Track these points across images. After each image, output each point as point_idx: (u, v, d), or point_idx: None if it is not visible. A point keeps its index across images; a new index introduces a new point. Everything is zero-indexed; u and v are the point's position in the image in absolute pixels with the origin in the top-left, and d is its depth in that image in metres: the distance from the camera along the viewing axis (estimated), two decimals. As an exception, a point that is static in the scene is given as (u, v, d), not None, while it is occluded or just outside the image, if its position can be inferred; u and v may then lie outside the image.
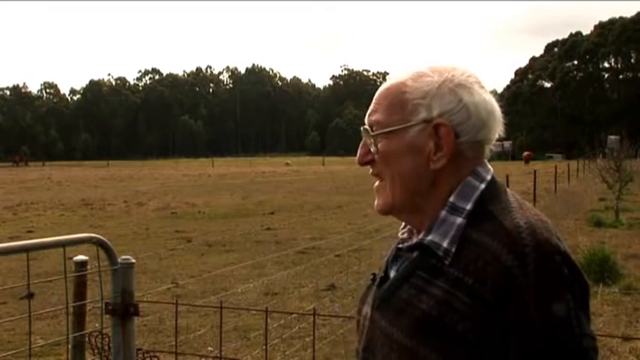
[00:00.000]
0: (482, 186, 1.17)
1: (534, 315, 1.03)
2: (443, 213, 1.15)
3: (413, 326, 1.10)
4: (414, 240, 1.19)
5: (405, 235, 1.26)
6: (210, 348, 5.52)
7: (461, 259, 1.10)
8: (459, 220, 1.13)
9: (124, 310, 2.21)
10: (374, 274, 1.28)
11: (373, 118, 1.20)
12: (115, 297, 2.22)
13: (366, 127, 1.20)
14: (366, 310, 1.25)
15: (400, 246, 1.23)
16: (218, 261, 10.05)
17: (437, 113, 1.15)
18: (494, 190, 1.17)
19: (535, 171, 18.17)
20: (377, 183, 1.23)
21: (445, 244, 1.12)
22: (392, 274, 1.22)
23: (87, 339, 3.05)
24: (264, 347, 4.45)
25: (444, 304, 1.07)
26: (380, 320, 1.18)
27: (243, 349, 5.52)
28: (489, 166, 1.22)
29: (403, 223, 1.29)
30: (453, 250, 1.11)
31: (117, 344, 2.24)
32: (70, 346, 2.77)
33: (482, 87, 1.19)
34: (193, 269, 9.41)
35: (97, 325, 2.91)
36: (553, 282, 1.05)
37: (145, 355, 3.13)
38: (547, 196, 19.96)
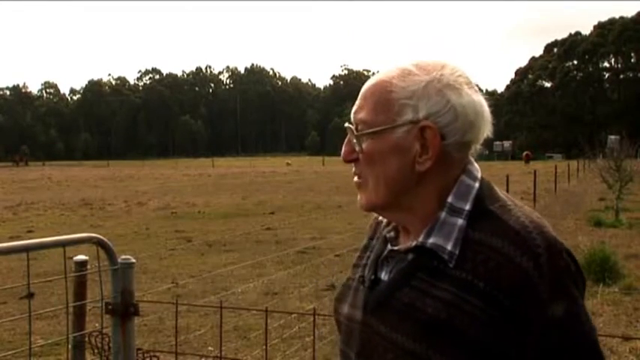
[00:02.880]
0: (477, 185, 1.15)
1: (551, 313, 1.04)
2: (442, 214, 1.13)
3: (420, 330, 1.08)
4: (413, 243, 1.15)
5: (392, 234, 1.23)
6: (210, 348, 5.52)
7: (466, 262, 1.08)
8: (460, 221, 1.12)
9: (124, 309, 2.21)
10: (362, 276, 1.23)
11: (359, 116, 1.16)
12: (115, 297, 2.22)
13: (351, 125, 1.17)
14: (353, 312, 1.22)
15: (395, 248, 1.19)
16: (218, 261, 10.05)
17: (423, 115, 1.12)
18: (487, 188, 1.16)
19: (535, 171, 18.17)
20: (356, 178, 1.19)
21: (449, 247, 1.10)
22: (383, 276, 1.19)
23: (87, 339, 3.04)
24: (264, 347, 4.45)
25: (453, 307, 1.06)
26: (378, 325, 1.14)
27: (243, 349, 5.52)
28: (477, 165, 1.20)
29: (385, 221, 1.27)
30: (457, 252, 1.09)
31: (117, 344, 2.24)
32: (70, 346, 2.77)
33: (471, 87, 1.16)
34: (193, 269, 9.41)
35: (97, 325, 2.91)
36: (565, 280, 1.07)
37: (145, 355, 3.13)
38: (547, 196, 19.95)
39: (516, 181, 21.43)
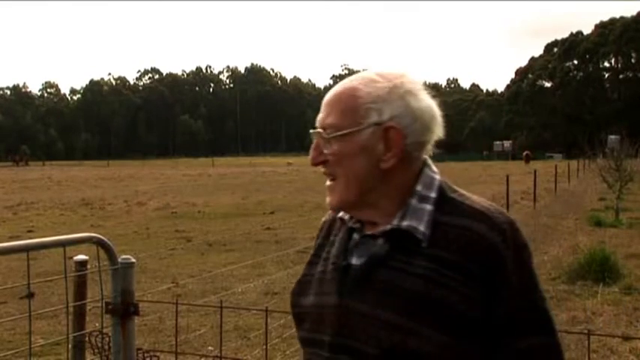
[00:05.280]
0: (438, 177, 1.31)
1: (515, 281, 1.21)
2: (413, 201, 1.26)
3: (401, 304, 1.19)
4: (387, 227, 1.25)
5: (358, 225, 1.32)
6: (210, 347, 5.52)
7: (438, 240, 1.22)
8: (429, 207, 1.26)
9: (124, 309, 2.21)
10: (334, 263, 1.31)
11: (327, 121, 1.27)
12: (115, 296, 2.22)
13: (319, 129, 1.28)
14: (322, 299, 1.29)
15: (369, 233, 1.29)
16: (218, 260, 10.05)
17: (387, 117, 1.24)
18: (445, 181, 1.32)
19: (535, 171, 18.18)
20: (328, 182, 1.30)
21: (422, 228, 1.23)
22: (354, 261, 1.28)
23: (87, 338, 3.04)
24: (264, 347, 4.45)
25: (430, 281, 1.19)
26: (357, 305, 1.23)
27: (243, 349, 5.52)
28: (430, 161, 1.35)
29: (347, 217, 1.35)
30: (429, 233, 1.23)
31: (117, 344, 2.24)
32: (70, 346, 2.77)
33: (427, 93, 1.30)
34: (193, 269, 9.41)
35: (97, 324, 2.91)
36: (525, 252, 1.25)
37: (145, 354, 3.13)
38: (547, 195, 19.97)
39: (517, 181, 21.44)
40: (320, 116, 1.29)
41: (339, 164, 1.26)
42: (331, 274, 1.30)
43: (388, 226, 1.26)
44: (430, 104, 1.29)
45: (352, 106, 1.25)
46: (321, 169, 1.31)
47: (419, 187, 1.27)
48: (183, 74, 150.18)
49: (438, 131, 1.30)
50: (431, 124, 1.28)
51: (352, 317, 1.23)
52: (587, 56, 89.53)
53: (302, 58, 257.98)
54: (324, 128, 1.27)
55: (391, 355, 1.18)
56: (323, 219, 1.47)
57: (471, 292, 1.18)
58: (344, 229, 1.35)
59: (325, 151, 1.28)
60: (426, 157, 1.31)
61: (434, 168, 1.32)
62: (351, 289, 1.25)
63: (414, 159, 1.28)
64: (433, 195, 1.27)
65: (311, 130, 1.30)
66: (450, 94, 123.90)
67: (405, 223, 1.24)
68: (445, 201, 1.26)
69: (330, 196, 1.30)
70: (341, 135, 1.25)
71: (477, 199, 1.28)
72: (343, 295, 1.25)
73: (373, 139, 1.24)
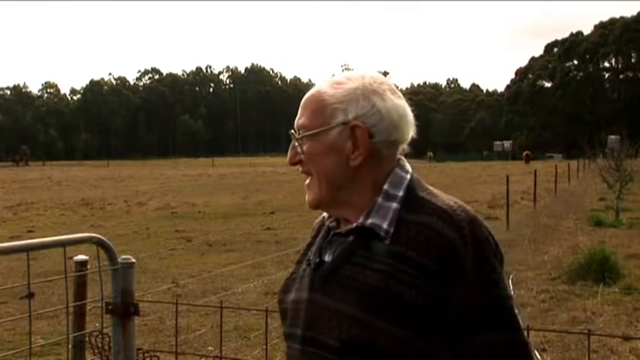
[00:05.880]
0: (409, 176, 1.33)
1: (473, 277, 1.21)
2: (379, 199, 1.30)
3: (361, 299, 1.22)
4: (353, 224, 1.30)
5: (334, 224, 1.38)
6: (210, 348, 5.52)
7: (401, 238, 1.25)
8: (394, 205, 1.29)
9: (124, 309, 2.21)
10: (308, 260, 1.38)
11: (299, 122, 1.34)
12: (115, 297, 2.22)
13: (293, 131, 1.35)
14: (299, 295, 1.35)
15: (338, 231, 1.35)
16: (218, 261, 10.06)
17: (352, 116, 1.29)
18: (417, 180, 1.34)
19: (535, 171, 18.17)
20: (307, 180, 1.36)
21: (385, 226, 1.27)
22: (327, 257, 1.34)
23: (87, 339, 3.04)
24: (264, 347, 4.45)
25: (390, 277, 1.22)
26: (323, 299, 1.28)
27: (243, 349, 5.53)
28: (407, 162, 1.38)
29: (326, 214, 1.43)
30: (392, 230, 1.26)
31: (117, 344, 2.24)
32: (70, 346, 2.77)
33: (394, 93, 1.33)
34: (193, 269, 9.41)
35: (97, 324, 2.91)
36: (485, 249, 1.25)
37: (145, 354, 3.13)
38: (547, 196, 19.98)
39: (517, 181, 21.44)
40: (296, 118, 1.36)
41: (312, 163, 1.33)
42: (306, 271, 1.37)
43: (354, 224, 1.30)
44: (397, 104, 1.32)
45: (320, 107, 1.31)
46: (299, 168, 1.37)
47: (386, 186, 1.31)
48: (183, 74, 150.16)
49: (410, 131, 1.34)
50: (400, 123, 1.32)
51: (319, 311, 1.28)
52: (587, 56, 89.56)
53: (302, 58, 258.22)
54: (298, 129, 1.34)
55: (349, 348, 1.22)
56: (317, 220, 1.52)
57: (429, 289, 1.20)
58: (324, 228, 1.41)
59: (299, 151, 1.34)
60: (400, 156, 1.36)
61: (407, 167, 1.35)
62: (319, 284, 1.30)
63: (385, 157, 1.32)
64: (400, 193, 1.30)
65: (290, 131, 1.36)
66: (450, 94, 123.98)
67: (369, 221, 1.28)
68: (412, 199, 1.29)
69: (307, 195, 1.37)
70: (310, 135, 1.31)
71: (444, 197, 1.30)
72: (312, 290, 1.31)
73: (341, 139, 1.29)
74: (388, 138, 1.31)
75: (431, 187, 1.34)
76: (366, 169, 1.30)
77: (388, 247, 1.25)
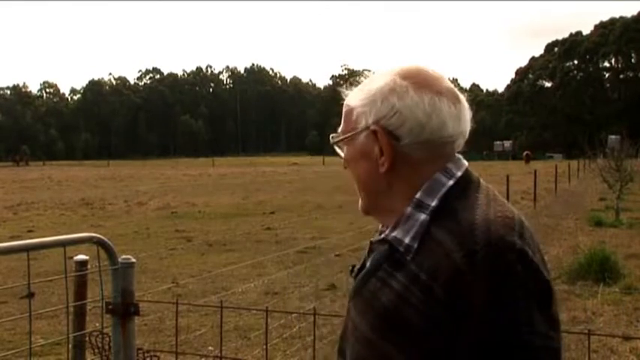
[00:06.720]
0: (451, 182, 1.18)
1: (484, 313, 1.04)
2: (408, 209, 1.18)
3: (375, 320, 1.16)
4: (382, 235, 1.24)
5: (384, 229, 1.33)
6: (210, 347, 5.52)
7: (421, 255, 1.12)
8: (423, 216, 1.16)
9: (124, 309, 2.21)
10: (353, 266, 1.33)
11: (338, 129, 1.32)
12: (115, 296, 2.22)
13: (332, 137, 1.33)
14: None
15: (372, 239, 1.28)
16: (218, 260, 10.05)
17: (372, 120, 1.22)
18: (463, 185, 1.18)
19: (535, 171, 18.18)
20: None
21: (407, 240, 1.15)
22: (368, 264, 1.29)
23: (87, 338, 3.05)
24: (264, 347, 4.45)
25: (401, 299, 1.11)
26: (352, 310, 1.24)
27: (243, 349, 5.52)
28: (463, 162, 1.23)
29: None
30: (415, 245, 1.14)
31: (117, 344, 2.24)
32: (70, 346, 2.77)
33: (419, 88, 1.19)
34: (194, 269, 9.41)
35: (97, 324, 2.91)
36: (504, 281, 1.05)
37: (146, 354, 3.13)
38: (547, 196, 19.97)
39: (517, 181, 21.43)
40: None
41: (350, 168, 1.29)
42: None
43: (382, 235, 1.23)
44: (419, 101, 1.18)
45: (348, 112, 1.28)
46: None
47: (419, 194, 1.18)
48: (183, 74, 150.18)
49: (450, 125, 1.19)
50: (428, 121, 1.17)
51: (349, 322, 1.26)
52: (588, 56, 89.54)
53: (302, 58, 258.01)
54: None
55: None
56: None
57: (434, 316, 1.07)
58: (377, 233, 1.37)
59: (342, 156, 1.32)
60: (456, 156, 1.22)
61: (454, 171, 1.20)
62: (352, 294, 1.27)
63: (421, 161, 1.19)
64: (432, 203, 1.16)
65: (331, 136, 1.36)
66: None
67: (392, 234, 1.18)
68: (445, 211, 1.14)
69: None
70: (343, 140, 1.28)
71: (484, 209, 1.12)
72: (350, 299, 1.28)
73: (368, 144, 1.23)
74: (418, 139, 1.18)
75: (485, 194, 1.18)
76: (397, 174, 1.20)
77: (408, 264, 1.13)
